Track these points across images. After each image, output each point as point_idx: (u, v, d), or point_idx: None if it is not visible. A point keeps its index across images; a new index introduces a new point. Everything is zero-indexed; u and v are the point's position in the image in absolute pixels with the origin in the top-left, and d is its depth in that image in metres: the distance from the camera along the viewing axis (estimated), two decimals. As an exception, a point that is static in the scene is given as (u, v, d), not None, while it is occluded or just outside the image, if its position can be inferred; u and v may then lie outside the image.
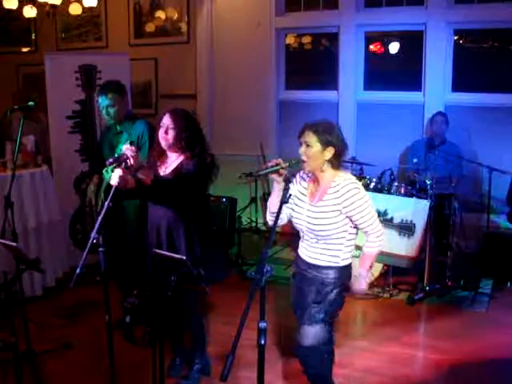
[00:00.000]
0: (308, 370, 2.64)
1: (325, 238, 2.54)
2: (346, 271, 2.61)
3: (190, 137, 2.89)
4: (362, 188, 2.52)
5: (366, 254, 2.64)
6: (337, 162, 2.51)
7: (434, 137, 5.16)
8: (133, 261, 3.79)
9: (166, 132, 2.88)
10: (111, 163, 2.78)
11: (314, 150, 2.45)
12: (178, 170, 2.92)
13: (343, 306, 2.66)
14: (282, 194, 2.27)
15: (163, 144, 2.93)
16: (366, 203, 2.49)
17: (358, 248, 4.27)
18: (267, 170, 2.40)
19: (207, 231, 3.10)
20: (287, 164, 2.40)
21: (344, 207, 2.47)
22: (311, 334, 2.55)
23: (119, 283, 3.96)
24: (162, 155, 3.01)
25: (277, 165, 2.38)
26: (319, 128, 2.46)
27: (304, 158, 2.48)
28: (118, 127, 3.78)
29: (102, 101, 3.65)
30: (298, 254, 2.74)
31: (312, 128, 2.46)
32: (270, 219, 2.70)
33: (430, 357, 3.58)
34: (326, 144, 2.45)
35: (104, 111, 3.69)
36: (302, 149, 2.48)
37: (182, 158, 2.95)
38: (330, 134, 2.45)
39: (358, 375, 3.34)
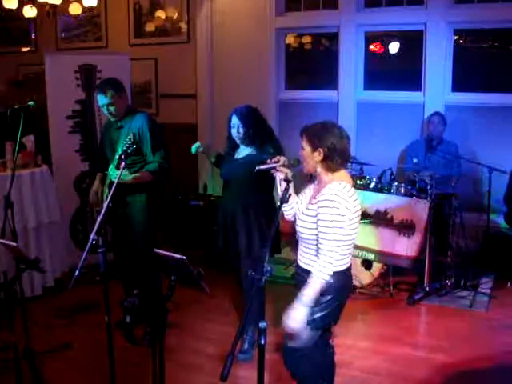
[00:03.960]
0: (288, 369, 2.69)
1: (310, 241, 2.47)
2: (340, 277, 2.46)
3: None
4: (341, 204, 2.36)
5: (311, 279, 2.36)
6: (331, 165, 2.46)
7: (432, 137, 5.15)
8: (135, 257, 3.79)
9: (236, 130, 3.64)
10: None
11: (304, 152, 2.51)
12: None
13: (338, 318, 2.55)
14: (282, 194, 2.29)
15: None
16: (332, 221, 2.33)
17: (357, 247, 4.24)
18: (266, 167, 2.58)
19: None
20: (283, 162, 2.53)
21: (317, 213, 2.40)
22: (295, 334, 2.48)
23: (124, 280, 3.96)
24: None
25: (277, 162, 2.54)
26: (310, 131, 2.50)
27: (302, 159, 2.55)
28: (119, 122, 3.78)
29: (101, 100, 3.67)
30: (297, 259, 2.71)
31: (304, 131, 2.52)
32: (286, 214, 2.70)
33: (430, 357, 3.58)
34: (314, 147, 2.46)
35: (105, 110, 3.71)
36: (301, 151, 2.54)
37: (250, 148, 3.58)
38: (319, 137, 2.45)
39: (358, 375, 3.35)
